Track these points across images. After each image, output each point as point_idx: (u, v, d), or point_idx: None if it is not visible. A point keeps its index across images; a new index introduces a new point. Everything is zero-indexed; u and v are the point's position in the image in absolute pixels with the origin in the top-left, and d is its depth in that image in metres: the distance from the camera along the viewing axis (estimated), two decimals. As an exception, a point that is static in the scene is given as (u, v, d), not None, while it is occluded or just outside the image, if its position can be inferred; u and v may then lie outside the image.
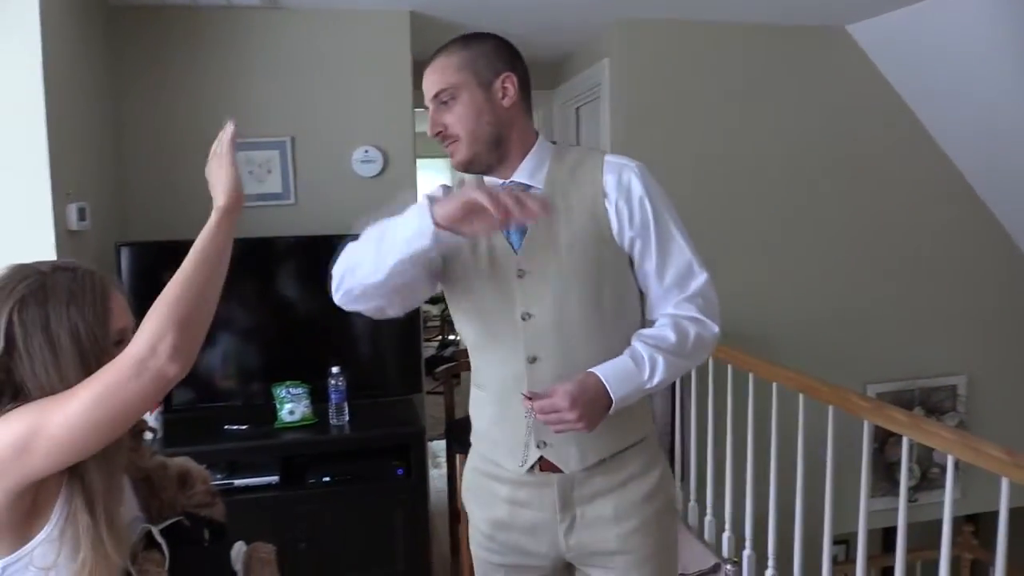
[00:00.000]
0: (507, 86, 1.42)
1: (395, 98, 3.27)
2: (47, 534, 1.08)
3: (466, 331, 1.51)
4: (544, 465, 1.45)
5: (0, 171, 2.23)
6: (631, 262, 1.43)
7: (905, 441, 2.13)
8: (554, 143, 1.50)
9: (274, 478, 2.69)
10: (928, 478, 4.00)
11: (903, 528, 2.16)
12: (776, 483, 2.66)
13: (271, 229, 3.09)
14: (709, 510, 3.08)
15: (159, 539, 1.20)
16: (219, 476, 2.61)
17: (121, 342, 1.15)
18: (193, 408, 2.80)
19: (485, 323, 1.46)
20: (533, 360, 1.41)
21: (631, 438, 1.47)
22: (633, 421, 1.45)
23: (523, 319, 1.41)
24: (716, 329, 1.42)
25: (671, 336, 1.37)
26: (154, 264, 2.78)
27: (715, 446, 3.04)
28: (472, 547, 1.62)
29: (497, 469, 1.50)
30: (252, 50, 3.16)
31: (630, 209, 1.39)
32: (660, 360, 1.35)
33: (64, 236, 2.35)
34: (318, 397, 2.82)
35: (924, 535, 3.62)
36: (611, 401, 1.33)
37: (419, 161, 3.47)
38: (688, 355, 1.39)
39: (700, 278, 1.42)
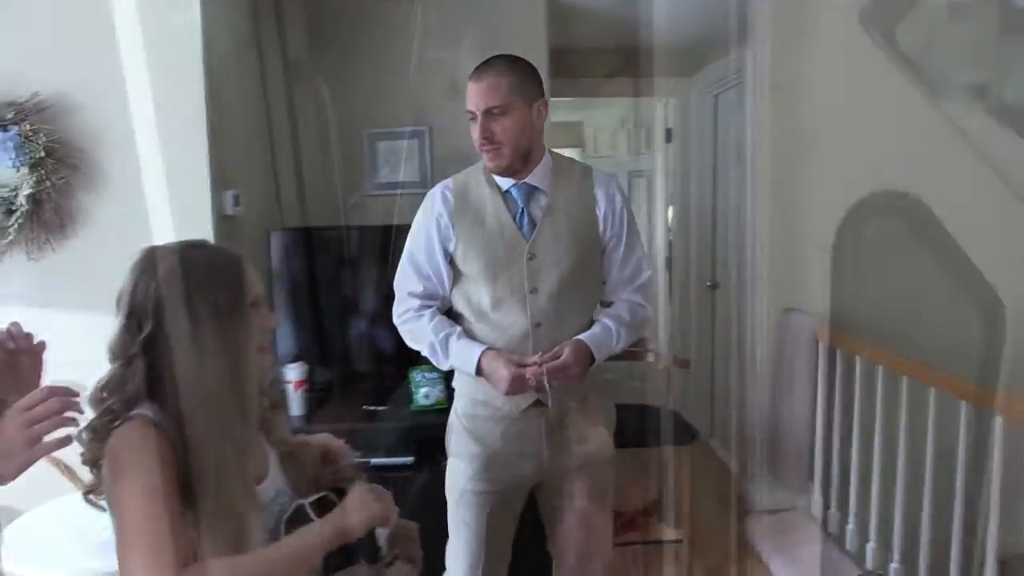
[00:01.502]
0: (542, 110, 1.87)
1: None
2: None
3: (476, 300, 1.88)
4: (536, 403, 1.89)
5: (164, 157, 2.38)
6: (603, 251, 1.93)
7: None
8: (550, 152, 1.94)
9: (409, 459, 2.76)
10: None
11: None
12: (931, 492, 2.48)
13: (408, 217, 3.15)
14: (852, 518, 2.90)
15: (312, 515, 1.24)
16: (356, 454, 2.69)
17: (255, 304, 1.25)
18: (333, 388, 2.91)
19: (496, 295, 1.85)
20: (537, 325, 1.84)
21: (589, 386, 1.94)
22: (590, 375, 1.91)
23: (531, 292, 1.84)
24: (651, 313, 2.00)
25: (627, 315, 1.93)
26: (302, 250, 2.91)
27: (861, 450, 2.86)
28: (454, 483, 1.96)
29: (492, 411, 1.90)
30: (392, 40, 3.23)
31: (613, 216, 1.91)
32: (623, 332, 1.90)
33: (220, 220, 2.49)
34: (451, 382, 2.86)
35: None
36: (594, 360, 1.85)
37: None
38: (636, 330, 1.95)
39: (646, 273, 1.98)
